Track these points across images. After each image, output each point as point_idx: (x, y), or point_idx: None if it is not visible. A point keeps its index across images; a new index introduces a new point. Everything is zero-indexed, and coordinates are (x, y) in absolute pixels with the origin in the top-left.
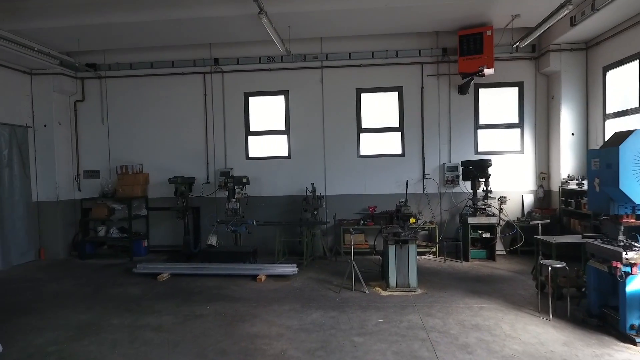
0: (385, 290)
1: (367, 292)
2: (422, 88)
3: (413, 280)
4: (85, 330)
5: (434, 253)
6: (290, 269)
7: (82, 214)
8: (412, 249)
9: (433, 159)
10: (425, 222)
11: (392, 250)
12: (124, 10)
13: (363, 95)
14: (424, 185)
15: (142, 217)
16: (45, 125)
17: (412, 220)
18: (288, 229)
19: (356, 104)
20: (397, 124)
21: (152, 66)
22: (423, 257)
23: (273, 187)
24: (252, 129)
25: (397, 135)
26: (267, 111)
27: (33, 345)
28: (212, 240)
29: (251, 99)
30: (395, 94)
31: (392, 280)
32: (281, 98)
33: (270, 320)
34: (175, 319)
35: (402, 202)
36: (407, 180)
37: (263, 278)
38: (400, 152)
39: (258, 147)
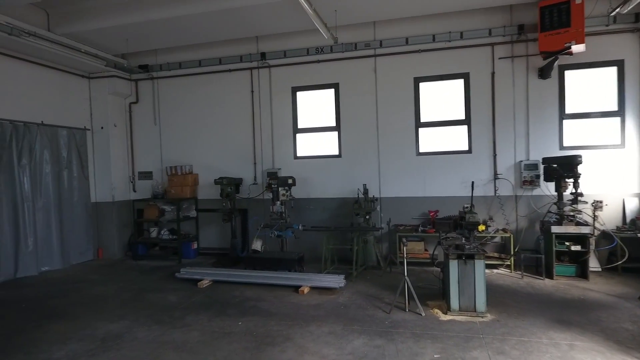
0: (446, 314)
1: (424, 314)
2: (492, 73)
3: (480, 303)
4: (108, 343)
5: (508, 267)
6: (336, 280)
7: (137, 214)
8: (480, 265)
9: (507, 155)
10: (497, 230)
11: (453, 266)
12: (167, 6)
13: (422, 85)
14: (495, 186)
15: (191, 219)
16: (102, 128)
17: (482, 227)
18: (339, 235)
19: (414, 95)
20: (462, 116)
21: (200, 64)
22: (494, 271)
23: (322, 189)
24: (300, 126)
25: (463, 129)
26: (316, 107)
27: (52, 359)
28: (257, 245)
29: (299, 94)
30: (460, 82)
31: (454, 302)
32: (331, 92)
33: (304, 346)
34: (202, 335)
35: (467, 207)
36: (473, 182)
37: (306, 290)
38: (466, 148)
39: (307, 145)
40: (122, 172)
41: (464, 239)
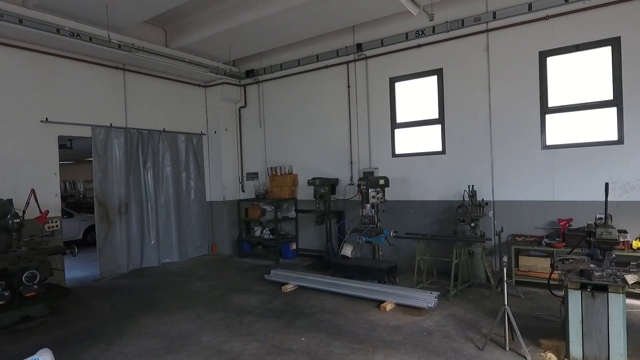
0: None
1: (530, 358)
2: None
3: (617, 354)
4: (174, 344)
5: None
6: (427, 299)
7: (244, 214)
8: (617, 301)
9: None
10: None
11: (575, 299)
12: (262, 4)
13: (550, 60)
14: None
15: (291, 219)
16: (215, 132)
17: (637, 244)
18: (441, 243)
19: (540, 74)
20: (609, 96)
21: (299, 63)
22: None
23: (424, 190)
24: (398, 120)
25: (610, 112)
26: (417, 97)
27: (122, 354)
28: (347, 250)
29: (397, 85)
30: (605, 51)
31: (576, 349)
32: (433, 79)
33: None
34: (260, 348)
35: (601, 218)
36: (607, 184)
37: (389, 307)
38: (615, 137)
39: (406, 141)
40: (232, 173)
41: (596, 262)
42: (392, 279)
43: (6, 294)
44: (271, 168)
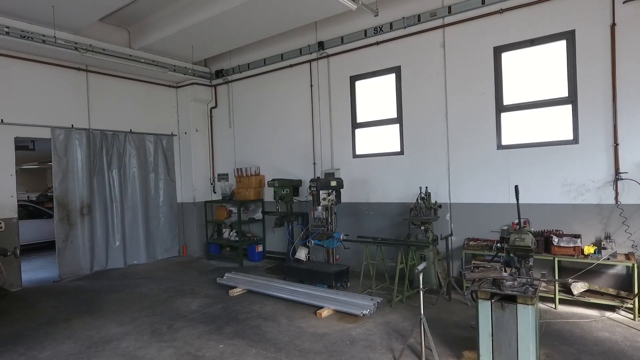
0: None
1: None
2: (612, 26)
3: None
4: (91, 349)
5: (629, 310)
6: (364, 305)
7: (214, 215)
8: (525, 313)
9: (635, 145)
10: (614, 254)
11: (485, 310)
12: (219, 1)
13: (505, 56)
14: (616, 191)
15: (258, 221)
16: (185, 133)
17: (589, 249)
18: (395, 247)
19: (495, 70)
20: (564, 93)
21: (265, 63)
22: (606, 314)
23: (383, 192)
24: (359, 120)
25: (565, 110)
26: (377, 96)
27: (35, 359)
28: (301, 253)
29: (358, 84)
30: (560, 46)
31: None
32: (391, 77)
33: None
34: (174, 356)
35: (517, 224)
36: (517, 186)
37: (324, 313)
38: (570, 137)
39: (367, 142)
40: (203, 174)
41: (509, 270)
42: (344, 284)
43: None
44: (238, 169)
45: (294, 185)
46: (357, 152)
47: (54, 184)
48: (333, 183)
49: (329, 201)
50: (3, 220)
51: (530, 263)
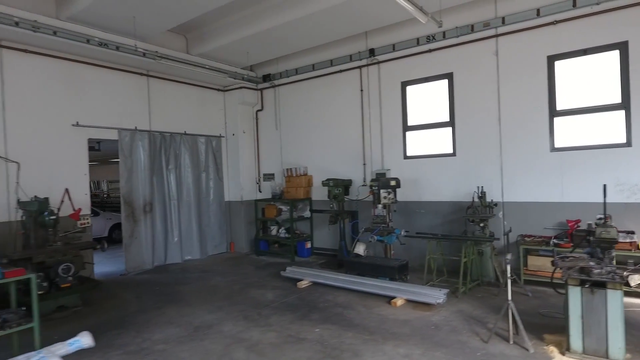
0: (564, 354)
1: (532, 350)
2: None
3: (616, 347)
4: (197, 333)
5: None
6: (436, 295)
7: (261, 213)
8: (615, 297)
9: None
10: None
11: (574, 294)
12: (278, 12)
13: (558, 64)
14: None
15: (306, 219)
16: (233, 134)
17: None
18: (452, 243)
19: (548, 77)
20: (617, 99)
21: (313, 68)
22: None
23: (435, 191)
24: (410, 123)
25: (618, 115)
26: (428, 101)
27: (150, 340)
28: (359, 249)
29: (409, 89)
30: (613, 55)
31: (576, 342)
32: (444, 83)
33: None
34: (277, 338)
35: (600, 218)
36: (605, 185)
37: (399, 302)
38: (623, 140)
39: (417, 144)
40: (249, 174)
41: (596, 260)
42: (404, 277)
43: (44, 284)
44: (287, 169)
45: (345, 185)
46: (408, 154)
47: (120, 182)
48: (392, 183)
49: (389, 200)
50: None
51: (613, 254)
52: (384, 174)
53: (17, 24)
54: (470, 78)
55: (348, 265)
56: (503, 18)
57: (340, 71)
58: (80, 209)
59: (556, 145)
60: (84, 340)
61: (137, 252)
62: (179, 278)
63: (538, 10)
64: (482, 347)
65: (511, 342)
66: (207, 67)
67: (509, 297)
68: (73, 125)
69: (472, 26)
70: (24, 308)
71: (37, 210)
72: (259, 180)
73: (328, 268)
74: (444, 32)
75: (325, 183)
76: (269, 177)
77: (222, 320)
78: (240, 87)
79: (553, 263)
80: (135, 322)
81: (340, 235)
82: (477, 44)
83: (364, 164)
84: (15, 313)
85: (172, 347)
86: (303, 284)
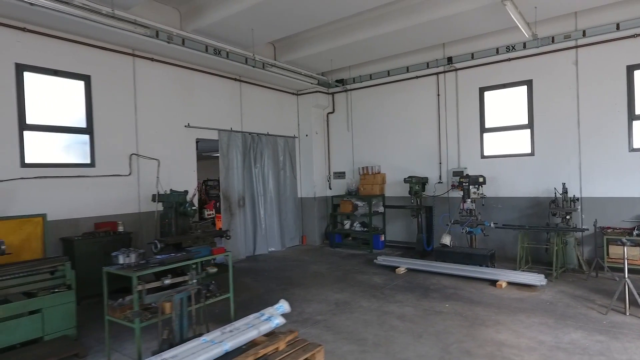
0: None
1: None
2: None
3: None
4: (340, 307)
5: None
6: (537, 278)
7: (332, 209)
8: None
9: None
10: None
11: None
12: (368, 28)
13: (637, 73)
14: None
15: (379, 214)
16: (306, 135)
17: None
18: (530, 235)
19: (627, 85)
20: None
21: (388, 74)
22: None
23: (511, 187)
24: (487, 125)
25: None
26: (505, 105)
27: (306, 312)
28: (446, 239)
29: (486, 94)
30: None
31: None
32: (522, 89)
33: (517, 331)
34: (416, 311)
35: None
36: None
37: (503, 284)
38: None
39: (494, 144)
40: (321, 172)
41: None
42: (492, 265)
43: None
44: (362, 167)
45: (423, 182)
46: (485, 153)
47: (220, 179)
48: (480, 180)
49: (477, 195)
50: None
51: None
52: (461, 172)
53: (157, 35)
54: (550, 85)
55: (437, 254)
56: (584, 31)
57: (417, 77)
58: (214, 201)
59: (635, 146)
60: (285, 306)
61: (233, 243)
62: (277, 266)
63: (618, 24)
64: (603, 318)
65: (627, 314)
66: (302, 73)
67: (626, 275)
68: (185, 126)
69: (553, 38)
70: (214, 282)
71: (178, 202)
72: (330, 178)
73: (409, 257)
74: (524, 43)
75: (407, 180)
76: (340, 175)
77: (353, 298)
78: (316, 92)
79: None
80: (272, 300)
81: (418, 228)
82: (556, 54)
83: (440, 163)
84: (208, 285)
85: (329, 317)
86: (400, 270)
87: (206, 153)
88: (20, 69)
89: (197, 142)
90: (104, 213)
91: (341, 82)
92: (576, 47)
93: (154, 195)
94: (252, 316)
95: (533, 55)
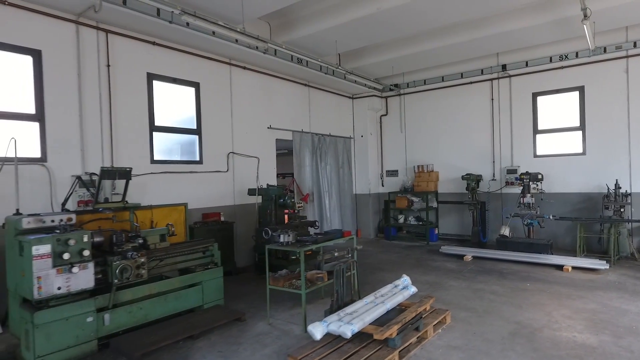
0: None
1: None
2: None
3: None
4: (434, 286)
5: None
6: (599, 263)
7: (385, 204)
8: None
9: None
10: None
11: None
12: (433, 39)
13: None
14: None
15: (432, 209)
16: (361, 136)
17: None
18: (584, 227)
19: None
20: None
21: (442, 80)
22: None
23: (563, 184)
24: (540, 127)
25: None
26: (558, 109)
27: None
28: (505, 231)
29: (539, 99)
30: None
31: None
32: (574, 94)
33: (602, 302)
34: (503, 289)
35: None
36: None
37: (570, 269)
38: None
39: (546, 144)
40: (374, 170)
41: None
42: (551, 253)
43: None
44: (417, 166)
45: (478, 179)
46: (538, 153)
47: (294, 175)
48: (539, 176)
49: (537, 190)
50: None
51: None
52: (515, 170)
53: (257, 47)
54: (601, 91)
55: (499, 243)
56: (635, 42)
57: (471, 83)
58: (308, 194)
59: None
60: (408, 279)
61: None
62: None
63: None
64: None
65: None
66: (372, 79)
67: None
68: (267, 128)
69: (605, 48)
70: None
71: (277, 195)
72: (382, 175)
73: (467, 248)
74: (576, 52)
75: (465, 177)
76: (392, 173)
77: (441, 279)
78: (371, 95)
79: None
80: (368, 281)
81: (474, 221)
82: (608, 62)
83: (493, 162)
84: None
85: (431, 292)
86: (468, 258)
87: (278, 151)
88: (150, 77)
89: None
90: (208, 205)
91: (396, 86)
92: (627, 56)
93: (250, 189)
94: (388, 286)
95: (585, 63)
